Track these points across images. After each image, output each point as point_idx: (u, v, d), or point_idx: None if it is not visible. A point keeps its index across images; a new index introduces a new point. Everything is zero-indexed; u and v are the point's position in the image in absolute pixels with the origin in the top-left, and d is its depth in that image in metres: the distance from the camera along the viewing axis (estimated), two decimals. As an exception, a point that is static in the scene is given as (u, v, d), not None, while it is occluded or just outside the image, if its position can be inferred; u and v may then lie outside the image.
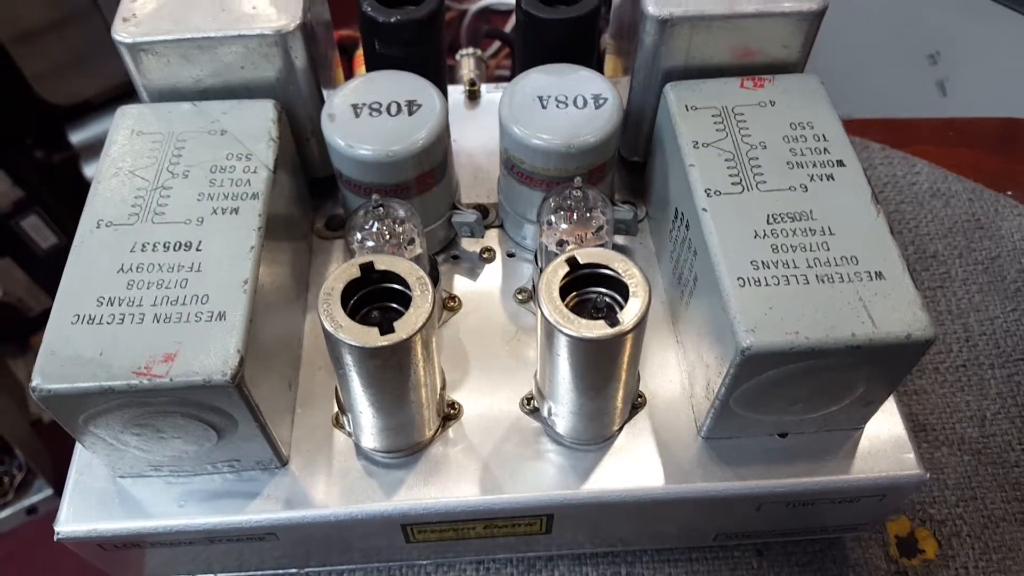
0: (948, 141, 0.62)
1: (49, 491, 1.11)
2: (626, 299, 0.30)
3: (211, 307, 0.31)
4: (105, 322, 0.31)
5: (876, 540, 0.44)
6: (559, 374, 0.32)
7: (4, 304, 1.11)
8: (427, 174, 0.38)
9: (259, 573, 0.41)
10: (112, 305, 0.31)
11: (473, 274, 0.43)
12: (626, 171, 0.46)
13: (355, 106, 0.38)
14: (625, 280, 0.31)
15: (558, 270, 0.31)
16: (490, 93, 0.51)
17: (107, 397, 0.30)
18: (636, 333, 0.30)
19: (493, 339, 0.40)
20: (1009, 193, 0.58)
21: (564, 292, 0.32)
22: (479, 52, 0.56)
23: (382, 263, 0.31)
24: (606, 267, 0.32)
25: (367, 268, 0.31)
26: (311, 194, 0.45)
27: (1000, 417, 0.48)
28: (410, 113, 0.38)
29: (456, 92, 0.51)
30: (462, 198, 0.45)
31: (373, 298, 0.32)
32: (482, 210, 0.44)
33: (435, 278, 0.40)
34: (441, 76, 0.43)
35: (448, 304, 0.41)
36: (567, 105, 0.38)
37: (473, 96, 0.51)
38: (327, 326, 0.29)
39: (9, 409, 1.10)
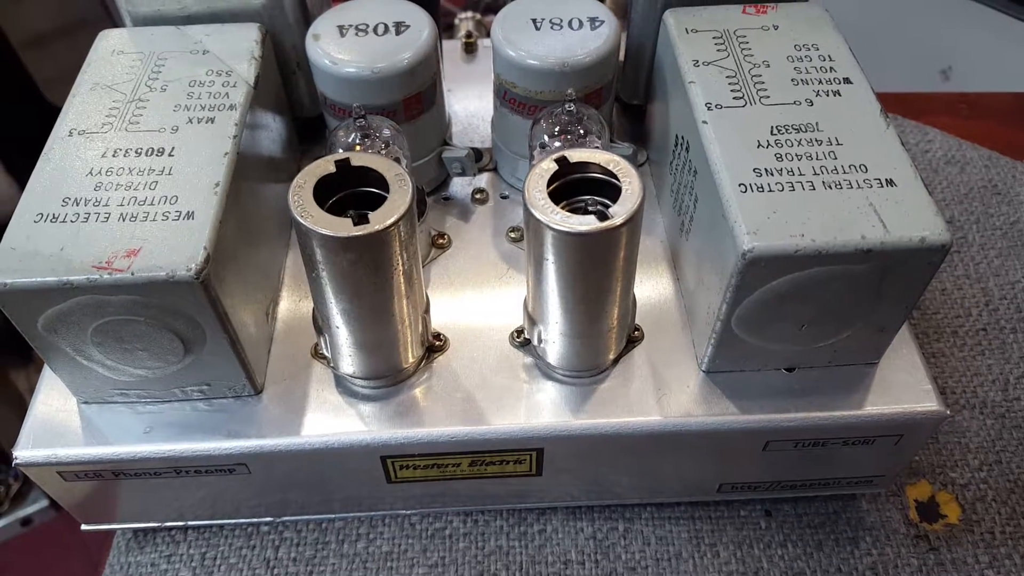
0: (961, 113, 0.60)
1: (45, 502, 1.09)
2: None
3: (180, 207, 0.30)
4: (69, 220, 0.29)
5: (894, 503, 0.41)
6: (548, 285, 0.30)
7: (7, 312, 1.10)
8: (414, 98, 0.37)
9: (233, 522, 0.39)
10: (78, 205, 0.30)
11: (465, 216, 0.41)
12: (626, 117, 0.45)
13: (341, 27, 0.37)
14: (618, 176, 0.29)
15: (547, 167, 0.29)
16: (487, 47, 0.50)
17: (66, 294, 0.28)
18: (629, 231, 0.28)
19: (483, 276, 0.38)
20: (1027, 161, 0.56)
21: (553, 200, 0.30)
22: (478, 16, 0.55)
23: (359, 160, 0.29)
24: (597, 166, 0.30)
25: (343, 164, 0.29)
26: (299, 138, 0.44)
27: (1024, 381, 0.46)
28: (397, 33, 0.36)
29: (454, 45, 0.50)
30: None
31: (351, 203, 0.31)
32: (476, 153, 0.43)
33: (422, 210, 0.38)
34: (434, 6, 0.41)
35: (437, 241, 0.39)
36: (562, 27, 0.37)
37: (470, 48, 0.50)
38: (297, 216, 0.27)
39: (8, 419, 1.08)
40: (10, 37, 1.03)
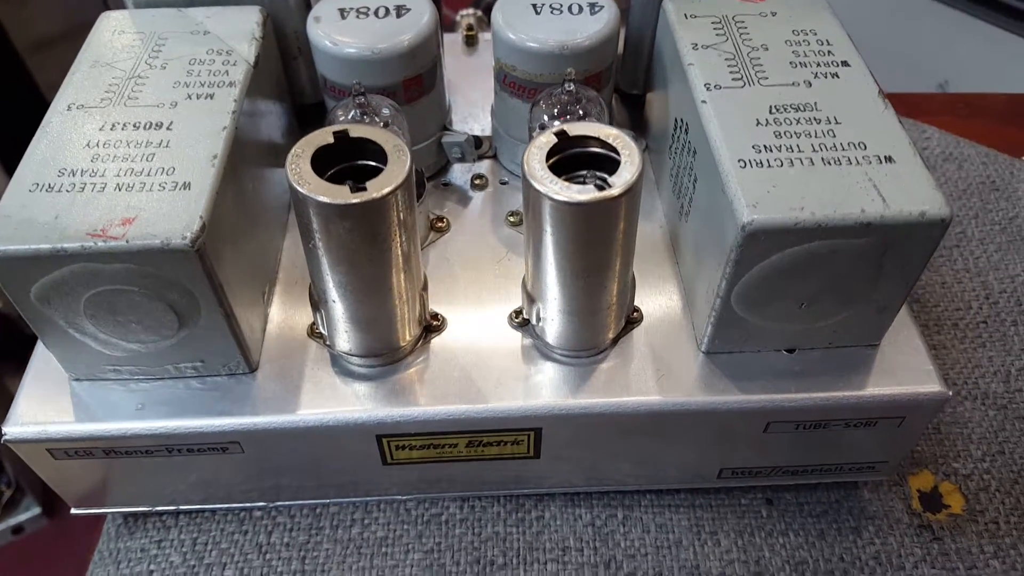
0: (960, 113, 0.60)
1: (37, 510, 1.08)
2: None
3: (176, 178, 0.30)
4: (65, 190, 0.29)
5: (897, 493, 0.41)
6: (547, 259, 0.30)
7: (3, 315, 1.09)
8: (414, 80, 0.37)
9: (225, 507, 0.38)
10: (74, 175, 0.30)
11: (464, 201, 0.41)
12: (626, 107, 0.45)
13: (342, 9, 0.37)
14: (617, 149, 0.29)
15: (546, 140, 0.29)
16: (488, 40, 0.50)
17: (59, 261, 0.28)
18: (628, 201, 0.28)
19: (482, 259, 0.38)
20: (1025, 159, 0.56)
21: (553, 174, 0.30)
22: (479, 12, 0.55)
23: (357, 131, 0.29)
24: (597, 140, 0.30)
25: (341, 136, 0.29)
26: (300, 125, 0.43)
27: (1026, 373, 0.45)
28: (398, 16, 0.37)
29: (455, 39, 0.51)
30: (455, 132, 0.43)
31: (350, 176, 0.30)
32: (475, 140, 0.43)
33: (421, 193, 0.38)
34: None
35: (436, 225, 0.39)
36: (562, 12, 0.37)
37: (471, 42, 0.50)
38: (293, 183, 0.27)
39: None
40: (14, 41, 1.04)
